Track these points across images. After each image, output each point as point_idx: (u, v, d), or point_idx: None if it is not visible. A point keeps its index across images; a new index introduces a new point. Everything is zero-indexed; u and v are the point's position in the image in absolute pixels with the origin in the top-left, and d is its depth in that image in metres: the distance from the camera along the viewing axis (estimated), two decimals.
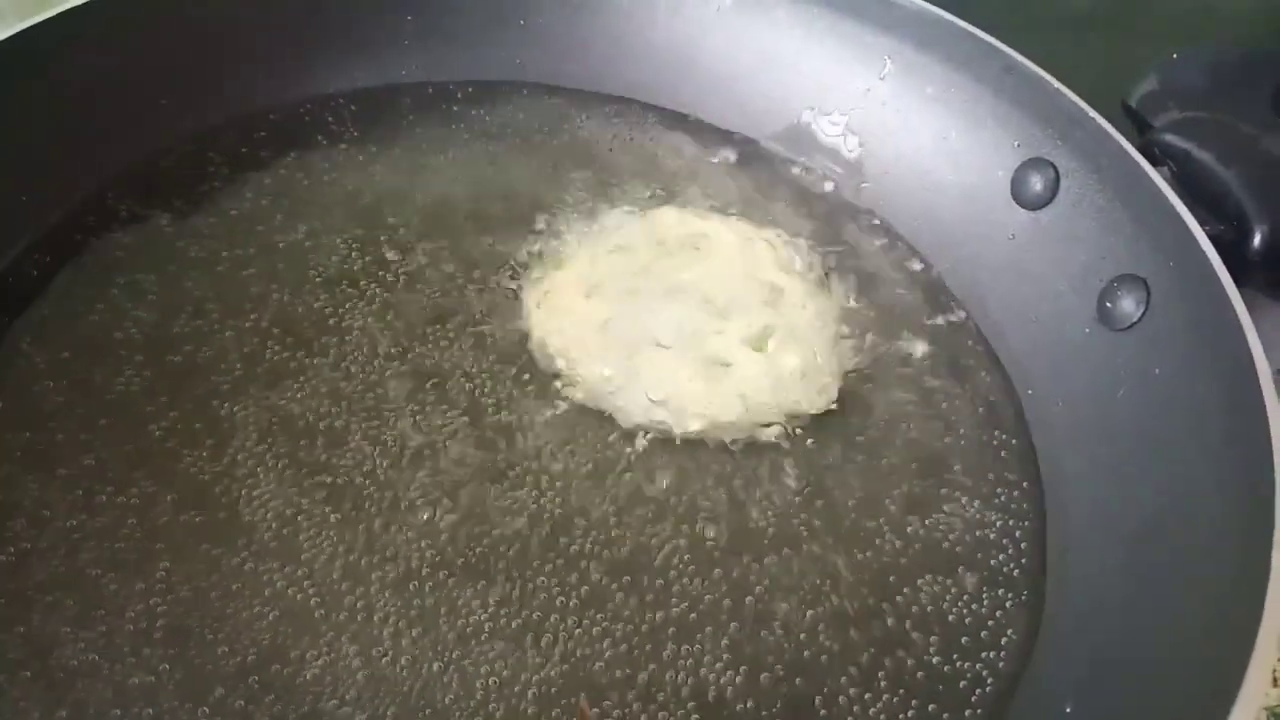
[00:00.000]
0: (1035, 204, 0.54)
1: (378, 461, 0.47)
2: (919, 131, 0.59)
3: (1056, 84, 0.54)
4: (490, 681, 0.41)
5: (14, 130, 0.52)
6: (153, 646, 0.41)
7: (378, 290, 0.54)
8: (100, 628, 0.41)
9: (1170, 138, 0.57)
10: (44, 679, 0.40)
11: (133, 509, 0.44)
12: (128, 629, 0.41)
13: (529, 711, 0.40)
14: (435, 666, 0.41)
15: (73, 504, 0.44)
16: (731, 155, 0.63)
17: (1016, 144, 0.56)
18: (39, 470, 0.45)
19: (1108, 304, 0.50)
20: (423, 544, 0.45)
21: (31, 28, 0.52)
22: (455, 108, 0.64)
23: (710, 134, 0.64)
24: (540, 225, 0.58)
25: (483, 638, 0.42)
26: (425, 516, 0.46)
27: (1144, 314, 0.49)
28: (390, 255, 0.56)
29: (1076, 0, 0.89)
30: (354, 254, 0.55)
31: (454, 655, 0.42)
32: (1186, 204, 0.48)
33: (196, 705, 0.39)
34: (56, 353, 0.49)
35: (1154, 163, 0.51)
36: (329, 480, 0.46)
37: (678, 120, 0.65)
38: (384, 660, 0.41)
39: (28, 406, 0.47)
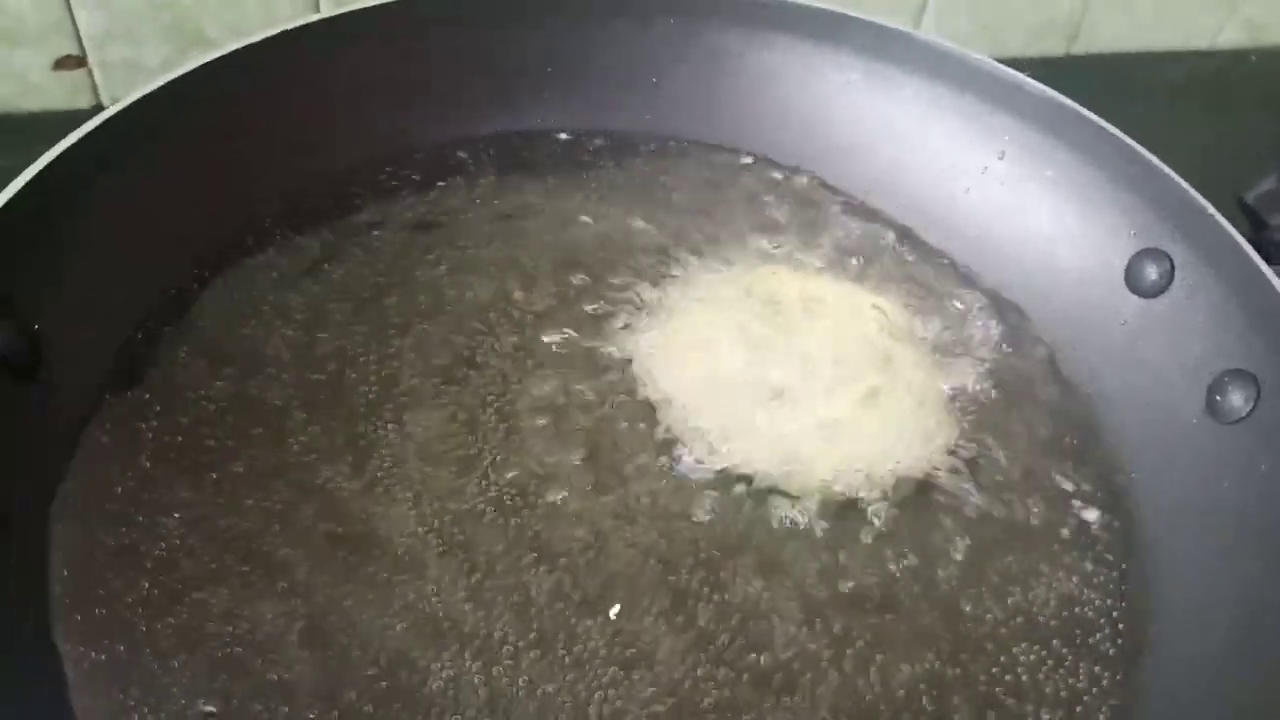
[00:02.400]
0: (1149, 292, 0.56)
1: (504, 490, 0.50)
2: (1035, 213, 0.61)
3: (1177, 178, 0.55)
4: (604, 709, 0.43)
5: (181, 157, 0.56)
6: (292, 646, 0.43)
7: (507, 327, 0.57)
8: (244, 625, 0.44)
9: None
10: (191, 669, 0.42)
11: (277, 515, 0.47)
12: (268, 628, 0.44)
13: None
14: (551, 689, 0.43)
15: (222, 507, 0.47)
16: (848, 221, 0.65)
17: (1133, 232, 0.57)
18: (192, 473, 0.48)
19: (1217, 396, 0.51)
20: (541, 570, 0.47)
21: (199, 69, 0.56)
22: (586, 157, 0.67)
23: (829, 199, 0.66)
24: (660, 275, 0.61)
25: (596, 666, 0.44)
26: (545, 544, 0.48)
27: (1253, 409, 0.50)
28: (518, 295, 0.59)
29: (1186, 77, 0.91)
30: (485, 291, 0.58)
31: (568, 680, 0.44)
32: None
33: (330, 706, 0.42)
34: (211, 363, 0.53)
35: (1268, 260, 0.53)
36: (457, 505, 0.49)
37: (799, 183, 0.67)
38: (504, 680, 0.43)
39: (183, 412, 0.51)
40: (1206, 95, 0.89)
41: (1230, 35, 0.94)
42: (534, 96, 0.67)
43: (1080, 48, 0.91)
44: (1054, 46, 0.90)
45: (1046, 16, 0.88)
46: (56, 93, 0.75)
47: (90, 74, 0.75)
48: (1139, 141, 0.57)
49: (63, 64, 0.74)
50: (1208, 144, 0.70)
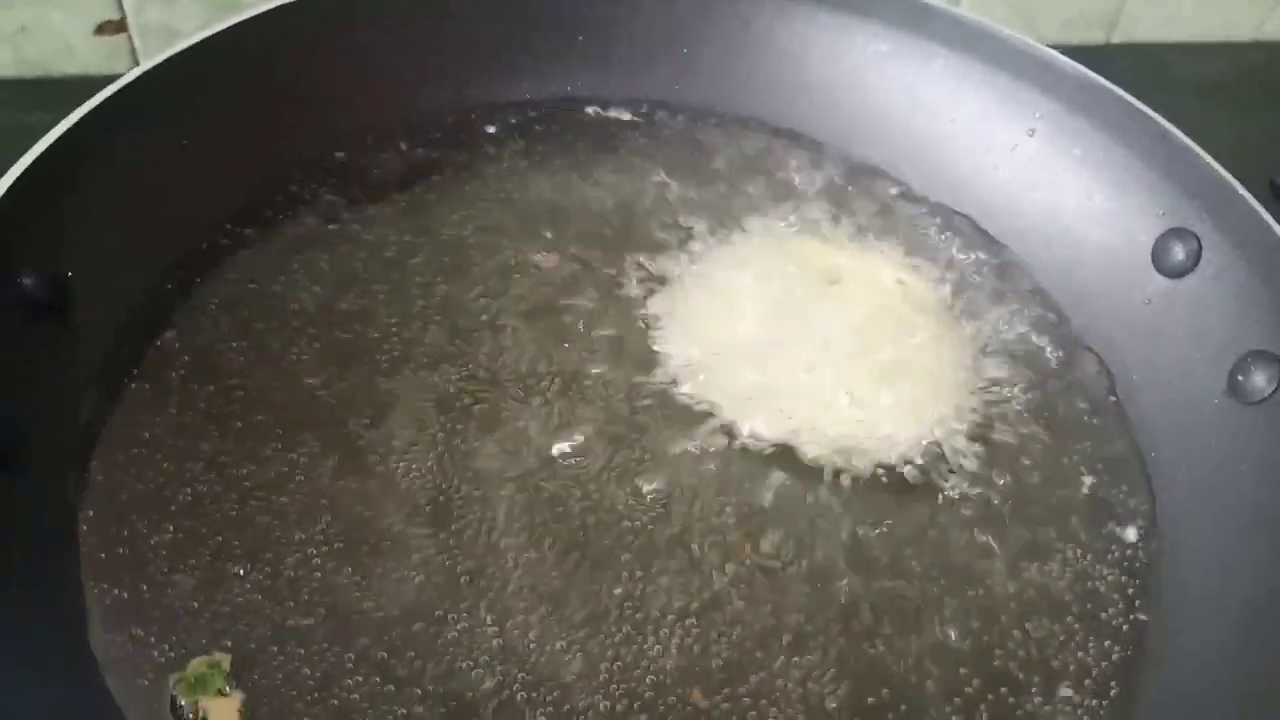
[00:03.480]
0: (1175, 272, 0.55)
1: (523, 449, 0.50)
2: (1063, 190, 0.61)
3: (1207, 157, 0.55)
4: (614, 666, 0.44)
5: (212, 115, 0.57)
6: (309, 593, 0.44)
7: (529, 290, 0.57)
8: (264, 570, 0.45)
9: None
10: (210, 611, 0.43)
11: (299, 466, 0.48)
12: (287, 574, 0.45)
13: (646, 695, 0.43)
14: (560, 644, 0.44)
15: (245, 455, 0.48)
16: (875, 194, 0.65)
17: (1161, 212, 0.57)
18: (218, 422, 0.49)
19: (1239, 377, 0.51)
20: (558, 528, 0.48)
21: (229, 30, 0.57)
22: (613, 126, 0.67)
23: (856, 171, 0.66)
24: (685, 244, 0.61)
25: (608, 623, 0.45)
26: (561, 503, 0.49)
27: (1275, 390, 0.49)
28: (541, 260, 0.59)
29: (1226, 69, 0.90)
30: (509, 255, 0.59)
31: (580, 636, 0.44)
32: None
33: (344, 651, 0.43)
34: (239, 317, 0.54)
35: None
36: (477, 461, 0.50)
37: (826, 155, 0.67)
38: (516, 632, 0.44)
39: (211, 363, 0.52)
40: (1246, 87, 0.88)
41: (1273, 27, 0.92)
42: (563, 64, 0.67)
43: (1119, 37, 0.90)
44: (1092, 36, 0.89)
45: (1083, 6, 0.87)
46: (96, 57, 0.76)
47: (130, 39, 0.76)
48: (1192, 138, 0.56)
49: (103, 29, 0.75)
50: (1245, 135, 0.68)
